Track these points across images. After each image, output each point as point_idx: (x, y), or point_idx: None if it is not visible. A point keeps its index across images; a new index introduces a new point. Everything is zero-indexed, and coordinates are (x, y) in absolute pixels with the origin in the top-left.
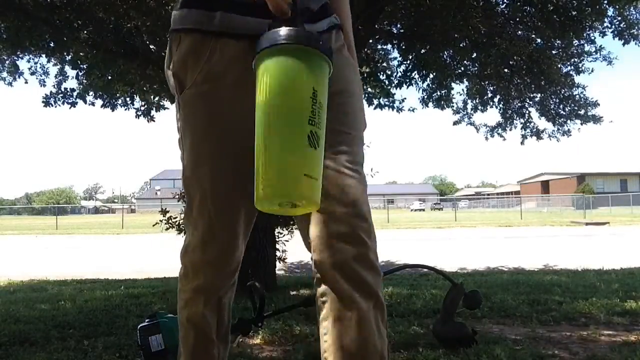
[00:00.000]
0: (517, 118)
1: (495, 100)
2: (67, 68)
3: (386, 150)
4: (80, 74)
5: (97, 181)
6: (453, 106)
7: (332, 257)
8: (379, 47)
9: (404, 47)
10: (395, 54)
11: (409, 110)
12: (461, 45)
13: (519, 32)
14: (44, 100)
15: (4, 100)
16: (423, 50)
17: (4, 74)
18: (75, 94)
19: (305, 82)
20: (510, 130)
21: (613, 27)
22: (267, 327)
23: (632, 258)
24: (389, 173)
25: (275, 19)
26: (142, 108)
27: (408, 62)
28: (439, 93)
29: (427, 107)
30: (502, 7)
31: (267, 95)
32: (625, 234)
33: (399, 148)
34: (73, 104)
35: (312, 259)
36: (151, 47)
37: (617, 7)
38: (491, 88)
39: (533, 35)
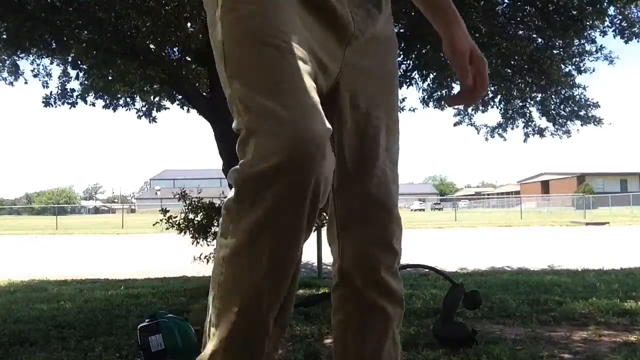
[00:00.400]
0: (518, 118)
1: (496, 100)
2: (69, 69)
3: None
4: (80, 74)
5: (97, 181)
6: (454, 106)
7: (365, 265)
8: None
9: (404, 47)
10: None
11: (409, 110)
12: None
13: (520, 31)
14: (44, 100)
15: (4, 100)
16: (423, 50)
17: (5, 74)
18: (75, 94)
19: None
20: (512, 129)
21: (614, 26)
22: None
23: (632, 258)
24: None
25: None
26: (143, 109)
27: (408, 62)
28: (439, 93)
29: (428, 107)
30: (502, 7)
31: None
32: (625, 234)
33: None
34: (73, 104)
35: (339, 258)
36: (151, 47)
37: (618, 5)
38: (492, 88)
39: (534, 35)
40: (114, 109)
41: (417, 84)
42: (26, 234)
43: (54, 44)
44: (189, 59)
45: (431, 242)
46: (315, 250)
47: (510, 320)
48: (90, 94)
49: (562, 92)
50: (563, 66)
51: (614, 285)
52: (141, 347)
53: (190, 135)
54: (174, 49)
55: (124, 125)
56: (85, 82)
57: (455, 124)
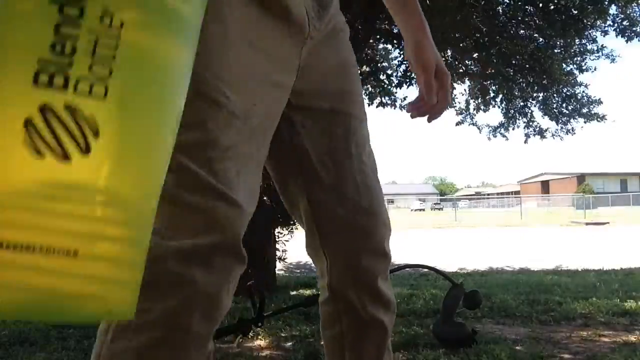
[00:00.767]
0: (520, 117)
1: (498, 99)
2: None
3: (386, 150)
4: None
5: None
6: (455, 106)
7: (359, 277)
8: (380, 46)
9: (404, 47)
10: (396, 53)
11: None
12: (462, 44)
13: (521, 31)
14: None
15: None
16: None
17: None
18: None
19: None
20: (514, 129)
21: (615, 25)
22: (267, 327)
23: (632, 258)
24: (389, 173)
25: None
26: None
27: (408, 62)
28: None
29: None
30: (503, 6)
31: None
32: (625, 234)
33: (400, 148)
34: None
35: (327, 272)
36: None
37: (620, 5)
38: (493, 87)
39: (535, 35)
40: None
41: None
42: None
43: None
44: None
45: (431, 242)
46: None
47: (510, 320)
48: None
49: (564, 91)
50: (564, 65)
51: (614, 285)
52: None
53: None
54: None
55: None
56: None
57: (457, 124)
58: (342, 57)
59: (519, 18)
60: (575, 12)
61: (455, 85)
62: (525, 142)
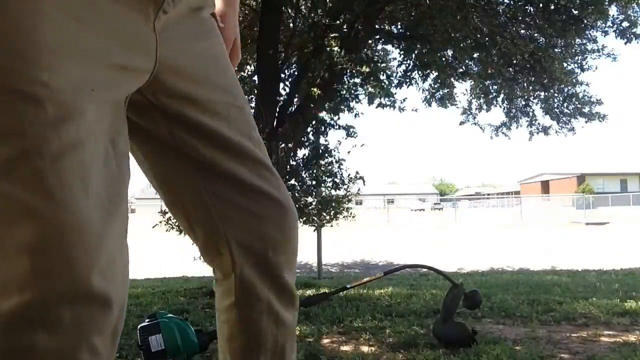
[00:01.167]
0: (522, 117)
1: (499, 99)
2: None
3: (387, 150)
4: None
5: None
6: (457, 104)
7: (267, 271)
8: (379, 47)
9: (404, 47)
10: (396, 54)
11: (412, 110)
12: (462, 45)
13: (521, 31)
14: None
15: None
16: (423, 50)
17: None
18: None
19: None
20: (517, 128)
21: (615, 26)
22: None
23: (632, 258)
24: (389, 173)
25: None
26: None
27: (408, 62)
28: (441, 93)
29: (430, 107)
30: (503, 6)
31: None
32: (625, 234)
33: (400, 148)
34: None
35: (230, 266)
36: None
37: (620, 5)
38: (495, 87)
39: (535, 35)
40: None
41: (417, 84)
42: None
43: None
44: None
45: (431, 242)
46: (315, 251)
47: (510, 320)
48: None
49: (565, 90)
50: (565, 64)
51: (614, 285)
52: (141, 347)
53: None
54: None
55: None
56: None
57: (460, 123)
58: (210, 40)
59: (519, 18)
60: (576, 12)
61: (456, 84)
62: (530, 139)
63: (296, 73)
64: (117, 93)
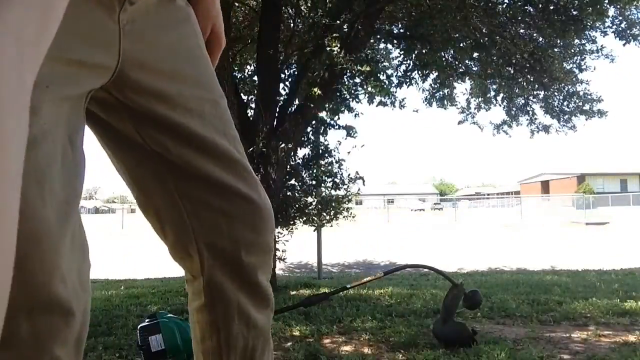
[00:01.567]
0: (522, 115)
1: (499, 98)
2: None
3: (387, 150)
4: None
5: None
6: (457, 104)
7: (240, 272)
8: (379, 46)
9: (404, 47)
10: (396, 54)
11: (413, 111)
12: (462, 45)
13: (521, 31)
14: None
15: None
16: (423, 50)
17: None
18: None
19: None
20: (517, 126)
21: (614, 26)
22: None
23: (632, 258)
24: (389, 173)
25: None
26: None
27: (408, 62)
28: (441, 93)
29: (431, 107)
30: (503, 6)
31: None
32: (625, 234)
33: (400, 148)
34: None
35: (199, 268)
36: None
37: (619, 6)
38: (494, 87)
39: (535, 34)
40: None
41: (417, 84)
42: None
43: None
44: None
45: (431, 242)
46: (315, 251)
47: (510, 320)
48: None
49: (565, 89)
50: (564, 64)
51: (614, 285)
52: (141, 347)
53: None
54: None
55: None
56: None
57: (459, 122)
58: (181, 30)
59: (519, 18)
60: (575, 12)
61: (456, 84)
62: (531, 137)
63: (296, 73)
64: (76, 90)
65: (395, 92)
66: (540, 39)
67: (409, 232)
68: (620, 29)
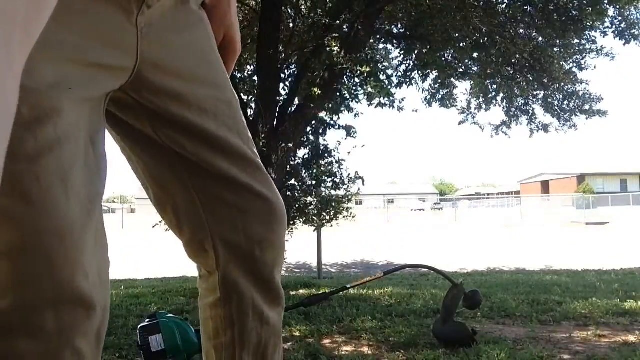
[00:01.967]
0: (522, 115)
1: (499, 98)
2: None
3: (387, 150)
4: None
5: None
6: (456, 105)
7: (255, 270)
8: (379, 46)
9: (404, 47)
10: (396, 54)
11: (412, 111)
12: (462, 45)
13: (521, 31)
14: None
15: None
16: (424, 50)
17: None
18: None
19: None
20: (517, 125)
21: (614, 27)
22: None
23: (632, 258)
24: (389, 173)
25: None
26: None
27: (408, 62)
28: (441, 93)
29: (431, 107)
30: (502, 6)
31: None
32: (625, 234)
33: (400, 148)
34: None
35: (214, 265)
36: None
37: (618, 7)
38: (494, 87)
39: (535, 34)
40: None
41: (417, 84)
42: None
43: None
44: None
45: (431, 242)
46: (315, 251)
47: (510, 320)
48: None
49: (565, 89)
50: (564, 64)
51: (614, 285)
52: (141, 347)
53: None
54: None
55: None
56: None
57: (460, 123)
58: (196, 32)
59: (519, 18)
60: (575, 12)
61: (456, 84)
62: (530, 136)
63: (296, 73)
64: (96, 91)
65: (395, 92)
66: (540, 39)
67: (409, 232)
68: (620, 29)
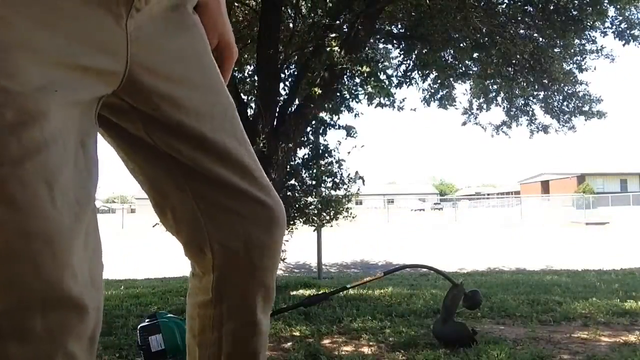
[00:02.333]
0: (522, 116)
1: (499, 99)
2: None
3: (387, 150)
4: None
5: None
6: (455, 105)
7: (252, 272)
8: (379, 46)
9: (404, 47)
10: (395, 54)
11: (410, 110)
12: (462, 45)
13: (521, 31)
14: None
15: None
16: (424, 50)
17: None
18: None
19: None
20: (517, 126)
21: (614, 27)
22: None
23: (632, 258)
24: (389, 173)
25: None
26: None
27: (408, 62)
28: (441, 93)
29: (429, 107)
30: (503, 6)
31: None
32: (625, 234)
33: (400, 148)
34: None
35: (211, 266)
36: None
37: (618, 7)
38: (494, 87)
39: (535, 35)
40: None
41: (417, 84)
42: None
43: None
44: None
45: (431, 242)
46: (315, 251)
47: (510, 320)
48: None
49: (565, 89)
50: (564, 65)
51: (614, 285)
52: (141, 347)
53: None
54: None
55: None
56: None
57: (463, 123)
58: (189, 36)
59: (519, 18)
60: (575, 12)
61: (456, 85)
62: (530, 137)
63: (296, 73)
64: (85, 95)
65: (395, 92)
66: (540, 39)
67: (409, 232)
68: (620, 29)
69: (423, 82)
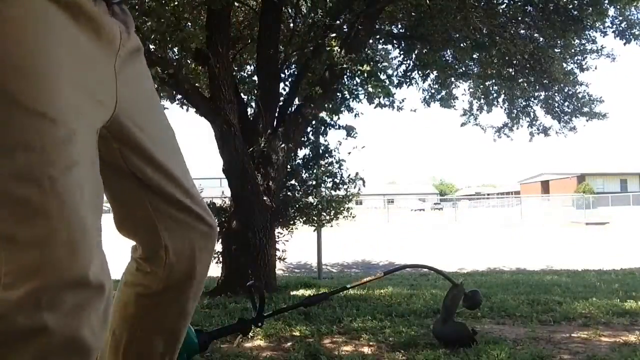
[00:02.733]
0: (523, 117)
1: (500, 100)
2: None
3: (387, 150)
4: None
5: None
6: (455, 106)
7: (196, 266)
8: (379, 46)
9: (404, 47)
10: (395, 54)
11: (410, 110)
12: (462, 45)
13: (521, 31)
14: None
15: None
16: (424, 50)
17: None
18: None
19: None
20: (518, 129)
21: (614, 26)
22: (267, 327)
23: (632, 258)
24: (389, 173)
25: None
26: None
27: (408, 62)
28: (441, 93)
29: (429, 107)
30: (503, 6)
31: None
32: (625, 234)
33: (400, 148)
34: None
35: (163, 264)
36: (151, 47)
37: (618, 7)
38: (495, 88)
39: (535, 35)
40: None
41: (417, 84)
42: None
43: None
44: (189, 60)
45: (431, 242)
46: (315, 251)
47: (510, 320)
48: None
49: (566, 90)
50: (565, 64)
51: (614, 285)
52: None
53: (190, 135)
54: (174, 49)
55: None
56: None
57: (462, 124)
58: (148, 79)
59: (519, 18)
60: (575, 12)
61: (456, 84)
62: (530, 140)
63: (296, 73)
64: (96, 123)
65: (395, 92)
66: (540, 39)
67: (409, 232)
68: (620, 29)
69: (423, 82)
